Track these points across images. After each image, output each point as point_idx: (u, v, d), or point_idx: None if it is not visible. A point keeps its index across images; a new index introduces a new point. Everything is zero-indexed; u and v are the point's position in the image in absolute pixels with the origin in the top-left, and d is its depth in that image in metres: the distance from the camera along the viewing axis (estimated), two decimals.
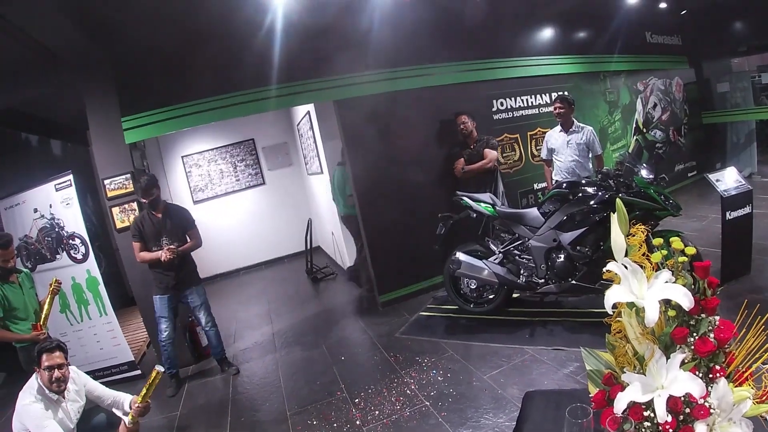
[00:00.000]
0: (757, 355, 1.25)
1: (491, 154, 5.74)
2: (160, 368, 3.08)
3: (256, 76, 5.24)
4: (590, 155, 5.54)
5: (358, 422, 3.55)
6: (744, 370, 1.24)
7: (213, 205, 9.34)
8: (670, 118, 9.37)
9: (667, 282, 1.26)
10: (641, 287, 1.27)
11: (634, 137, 8.58)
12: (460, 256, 4.81)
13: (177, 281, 4.63)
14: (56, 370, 2.87)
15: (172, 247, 4.48)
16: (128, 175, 4.93)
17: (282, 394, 4.24)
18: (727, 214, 4.65)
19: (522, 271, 4.70)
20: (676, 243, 1.33)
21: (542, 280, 4.57)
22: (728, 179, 4.82)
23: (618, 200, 1.50)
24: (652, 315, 1.16)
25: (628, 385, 1.24)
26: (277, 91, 5.31)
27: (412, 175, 5.85)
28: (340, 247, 7.39)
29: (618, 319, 1.35)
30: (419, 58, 5.93)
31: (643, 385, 1.20)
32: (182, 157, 9.17)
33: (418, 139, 5.96)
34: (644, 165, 4.55)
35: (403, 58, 5.81)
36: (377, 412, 3.63)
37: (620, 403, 1.20)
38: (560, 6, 6.98)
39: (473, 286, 4.96)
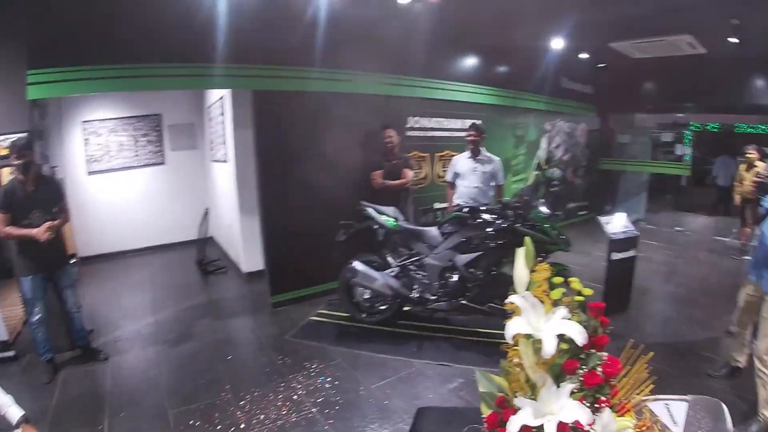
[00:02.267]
0: (639, 389, 1.39)
1: (410, 174, 5.98)
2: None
3: (179, 51, 4.92)
4: (493, 184, 5.83)
5: (242, 425, 3.47)
6: (626, 402, 1.37)
7: (107, 179, 8.63)
8: (570, 159, 10.10)
9: (563, 318, 1.36)
10: (539, 321, 1.37)
11: (535, 172, 9.11)
12: (357, 265, 4.87)
13: (49, 260, 4.26)
14: None
15: (51, 223, 4.08)
16: (26, 135, 4.39)
17: (164, 390, 4.03)
18: (613, 254, 5.08)
19: (416, 287, 4.84)
20: (575, 284, 1.45)
21: (434, 297, 4.74)
22: (617, 223, 5.28)
23: (527, 238, 1.60)
24: (550, 348, 1.26)
25: (521, 409, 1.32)
26: (195, 70, 5.06)
27: (320, 179, 5.79)
28: (237, 243, 7.16)
29: (515, 347, 1.45)
30: (343, 62, 5.90)
31: (535, 410, 1.28)
32: (83, 122, 8.38)
33: (332, 144, 5.90)
34: (542, 201, 4.88)
35: (326, 60, 5.70)
36: (262, 416, 3.57)
37: (513, 425, 1.28)
38: (487, 39, 7.25)
39: (367, 296, 5.03)
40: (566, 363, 1.33)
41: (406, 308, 5.13)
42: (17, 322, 5.30)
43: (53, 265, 4.32)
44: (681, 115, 13.12)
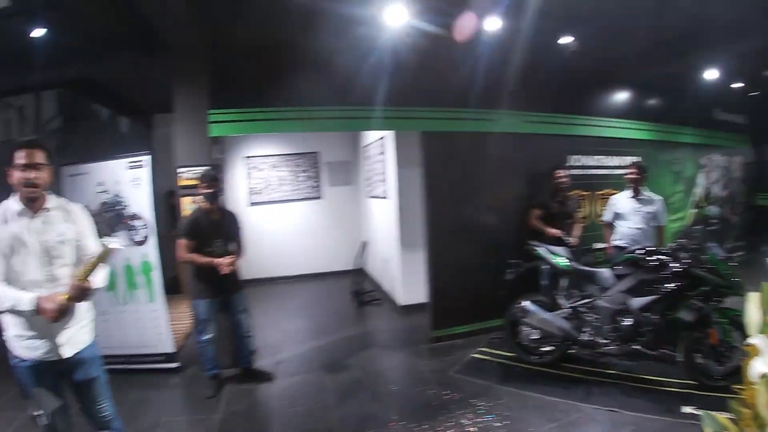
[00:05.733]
0: None
1: (578, 217, 5.99)
2: (113, 244, 2.48)
3: (351, 94, 5.37)
4: (654, 225, 5.64)
5: None
6: None
7: (267, 210, 9.56)
8: (728, 195, 9.48)
9: None
10: None
11: (693, 211, 8.59)
12: (528, 305, 4.87)
13: (225, 287, 4.53)
14: (33, 170, 2.46)
15: (233, 258, 4.40)
16: (213, 167, 4.83)
17: (330, 417, 4.15)
18: None
19: (586, 329, 4.73)
20: None
21: (606, 341, 4.60)
22: None
23: (764, 283, 1.57)
24: None
25: None
26: (365, 113, 5.47)
27: (485, 217, 5.93)
28: (394, 276, 7.33)
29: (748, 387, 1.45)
30: (504, 103, 6.03)
31: None
32: (246, 157, 9.45)
33: (496, 183, 6.05)
34: (716, 243, 4.57)
35: (489, 101, 5.91)
36: None
37: None
38: (639, 73, 7.15)
39: (534, 337, 4.96)
40: None
41: (570, 351, 5.03)
42: (181, 336, 5.72)
43: (229, 291, 4.62)
44: None
